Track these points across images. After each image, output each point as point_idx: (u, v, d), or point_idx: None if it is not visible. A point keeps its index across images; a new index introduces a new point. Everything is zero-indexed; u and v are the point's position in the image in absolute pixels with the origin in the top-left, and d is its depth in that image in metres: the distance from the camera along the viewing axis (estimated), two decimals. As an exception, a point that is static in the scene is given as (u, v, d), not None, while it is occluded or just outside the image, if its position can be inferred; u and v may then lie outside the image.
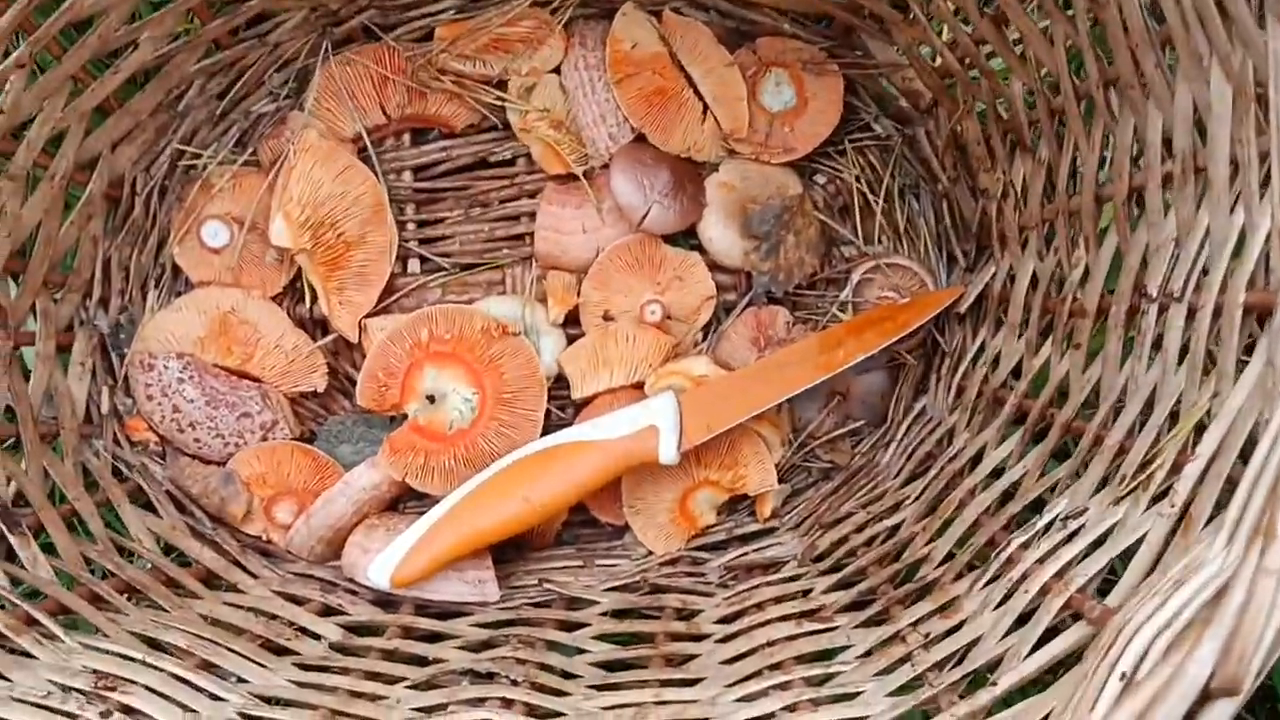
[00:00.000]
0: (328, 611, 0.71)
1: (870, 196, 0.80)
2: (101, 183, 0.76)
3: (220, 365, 0.77)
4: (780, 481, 0.77)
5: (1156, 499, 0.50)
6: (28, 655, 0.58)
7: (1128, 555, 0.50)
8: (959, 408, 0.73)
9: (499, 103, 0.78)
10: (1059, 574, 0.52)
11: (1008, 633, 0.52)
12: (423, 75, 0.78)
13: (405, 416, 0.76)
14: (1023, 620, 0.52)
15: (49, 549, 0.67)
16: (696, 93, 0.78)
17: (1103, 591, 0.50)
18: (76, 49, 0.70)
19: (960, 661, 0.53)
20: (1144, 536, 0.49)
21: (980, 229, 0.75)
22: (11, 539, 0.65)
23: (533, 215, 0.80)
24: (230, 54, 0.77)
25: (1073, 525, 0.54)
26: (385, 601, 0.73)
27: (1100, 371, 0.59)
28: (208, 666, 0.61)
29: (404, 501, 0.79)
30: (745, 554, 0.75)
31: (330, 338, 0.78)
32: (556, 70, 0.79)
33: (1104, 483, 0.55)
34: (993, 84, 0.69)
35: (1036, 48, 0.64)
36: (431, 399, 0.75)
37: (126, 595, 0.67)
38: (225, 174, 0.79)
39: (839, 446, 0.78)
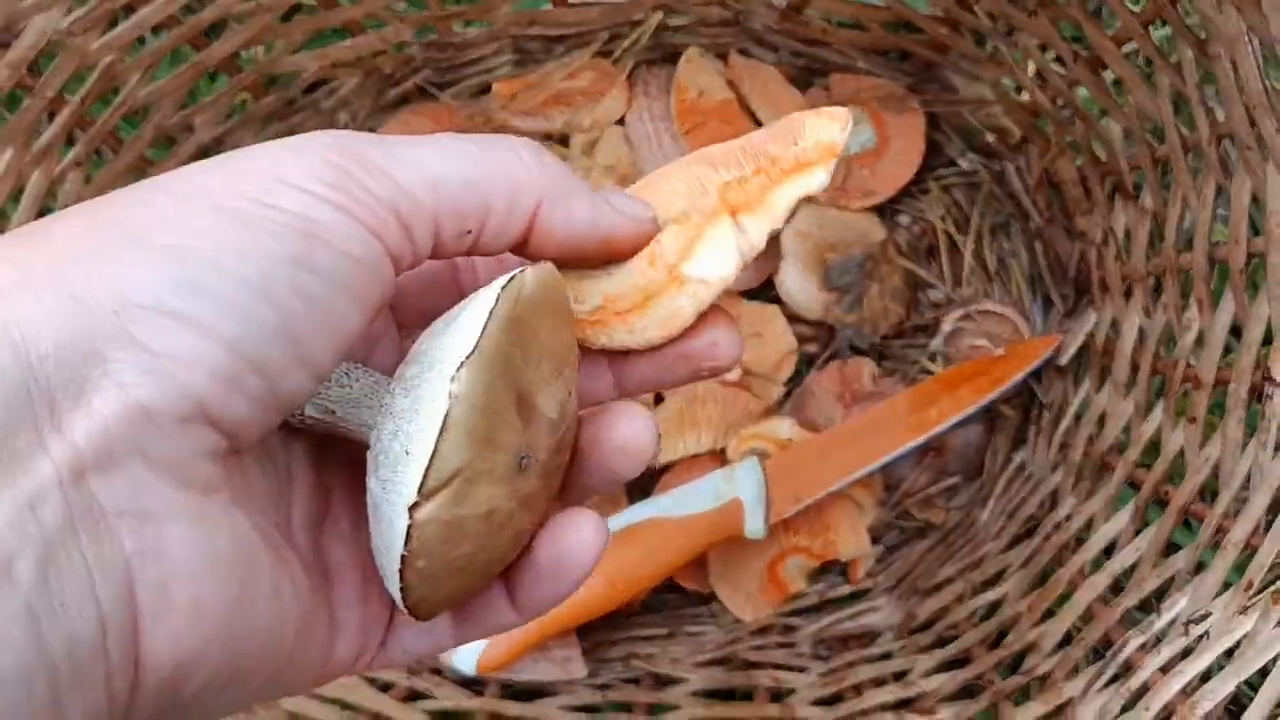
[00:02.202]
0: (414, 696, 0.70)
1: (957, 236, 0.75)
2: (167, 265, 0.75)
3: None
4: (873, 541, 0.74)
5: (1291, 616, 0.46)
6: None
7: (1262, 672, 0.46)
8: (1062, 467, 0.68)
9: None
10: (1185, 691, 0.48)
11: (1129, 753, 0.49)
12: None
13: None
14: (1146, 739, 0.49)
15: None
16: (768, 138, 0.74)
17: (1232, 713, 0.46)
18: (133, 140, 0.68)
19: (1078, 782, 0.50)
20: (1277, 658, 0.45)
21: (1079, 273, 0.70)
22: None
23: (603, 272, 0.77)
24: (286, 125, 0.75)
25: (1195, 632, 0.50)
26: (471, 681, 0.72)
27: (1220, 452, 0.55)
28: (293, 778, 0.60)
29: (486, 574, 0.77)
30: (839, 621, 0.72)
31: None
32: (620, 121, 0.76)
33: (1229, 583, 0.51)
34: (1088, 124, 0.64)
35: (1137, 94, 0.59)
36: None
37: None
38: (289, 247, 0.77)
39: (934, 504, 0.75)
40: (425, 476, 0.26)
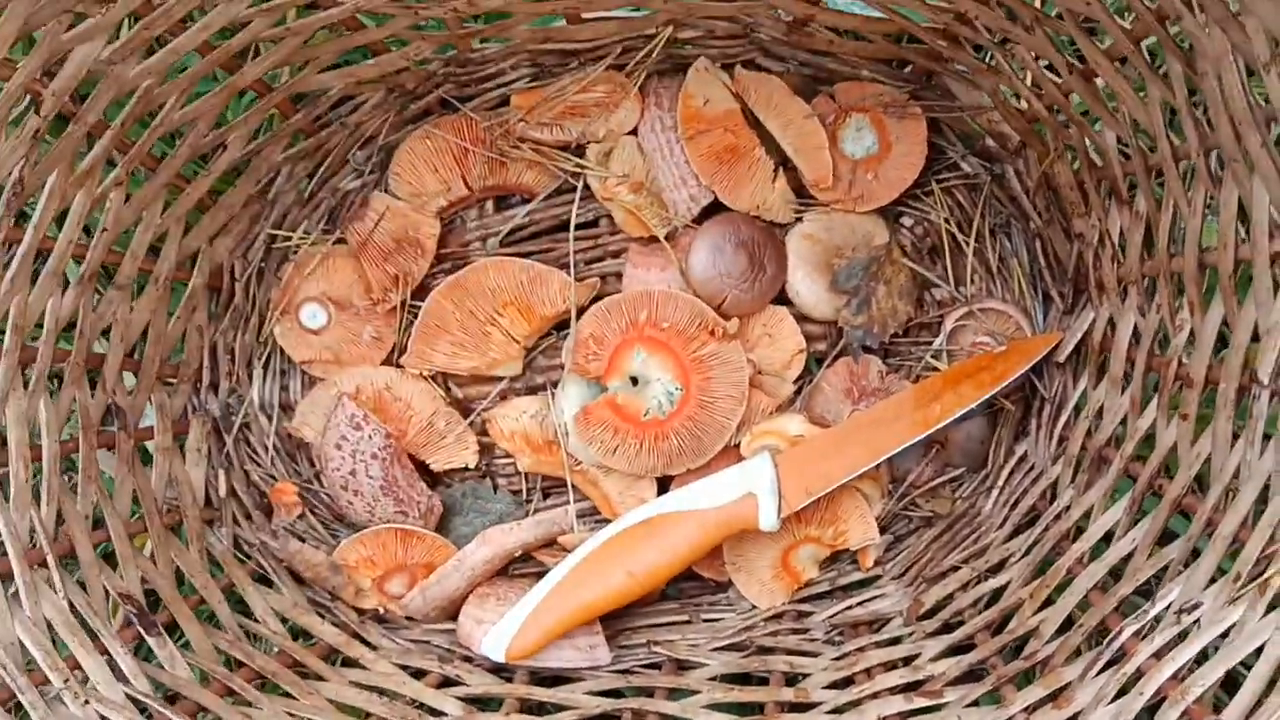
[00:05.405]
0: (447, 682, 0.74)
1: (960, 236, 0.78)
2: (203, 276, 0.78)
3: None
4: (881, 531, 0.77)
5: (1275, 606, 0.49)
6: (173, 771, 0.62)
7: (1254, 654, 0.49)
8: (1062, 459, 0.72)
9: (579, 169, 0.78)
10: (1176, 676, 0.51)
11: (1124, 733, 0.52)
12: (502, 144, 0.79)
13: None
14: (1140, 720, 0.52)
15: (179, 638, 0.71)
16: (770, 150, 0.77)
17: (1220, 699, 0.50)
18: (170, 159, 0.72)
19: (1076, 761, 0.53)
20: (1262, 647, 0.48)
21: (1076, 273, 0.73)
22: (150, 641, 0.69)
23: (618, 275, 0.80)
24: (314, 140, 0.78)
25: (1187, 620, 0.53)
26: (500, 668, 0.75)
27: (1210, 448, 0.58)
28: (340, 762, 0.64)
29: (512, 567, 0.81)
30: (850, 607, 0.76)
31: (475, 414, 0.81)
32: (633, 132, 0.79)
33: (1218, 574, 0.54)
34: (1084, 132, 0.67)
35: (1130, 105, 0.61)
36: (635, 381, 0.77)
37: (258, 684, 0.70)
38: (316, 256, 0.81)
39: (940, 494, 0.78)
40: None
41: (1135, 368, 0.66)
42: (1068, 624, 0.62)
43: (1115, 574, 0.62)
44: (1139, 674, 0.53)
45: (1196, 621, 0.53)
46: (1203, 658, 0.51)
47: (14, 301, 0.65)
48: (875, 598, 0.76)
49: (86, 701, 0.63)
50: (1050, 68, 0.67)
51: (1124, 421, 0.67)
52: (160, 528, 0.74)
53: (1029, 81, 0.69)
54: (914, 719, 0.62)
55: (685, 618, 0.79)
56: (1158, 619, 0.55)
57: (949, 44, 0.70)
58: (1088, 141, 0.67)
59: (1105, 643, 0.57)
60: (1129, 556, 0.61)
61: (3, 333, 0.65)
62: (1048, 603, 0.64)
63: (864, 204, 0.77)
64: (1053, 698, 0.57)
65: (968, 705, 0.61)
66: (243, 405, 0.82)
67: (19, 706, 0.62)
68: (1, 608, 0.63)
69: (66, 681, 0.63)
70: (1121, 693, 0.53)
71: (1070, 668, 0.58)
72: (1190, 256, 0.60)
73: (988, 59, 0.71)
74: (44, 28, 0.57)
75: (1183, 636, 0.53)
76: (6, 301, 0.65)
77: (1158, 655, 0.53)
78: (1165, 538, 0.61)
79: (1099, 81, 0.64)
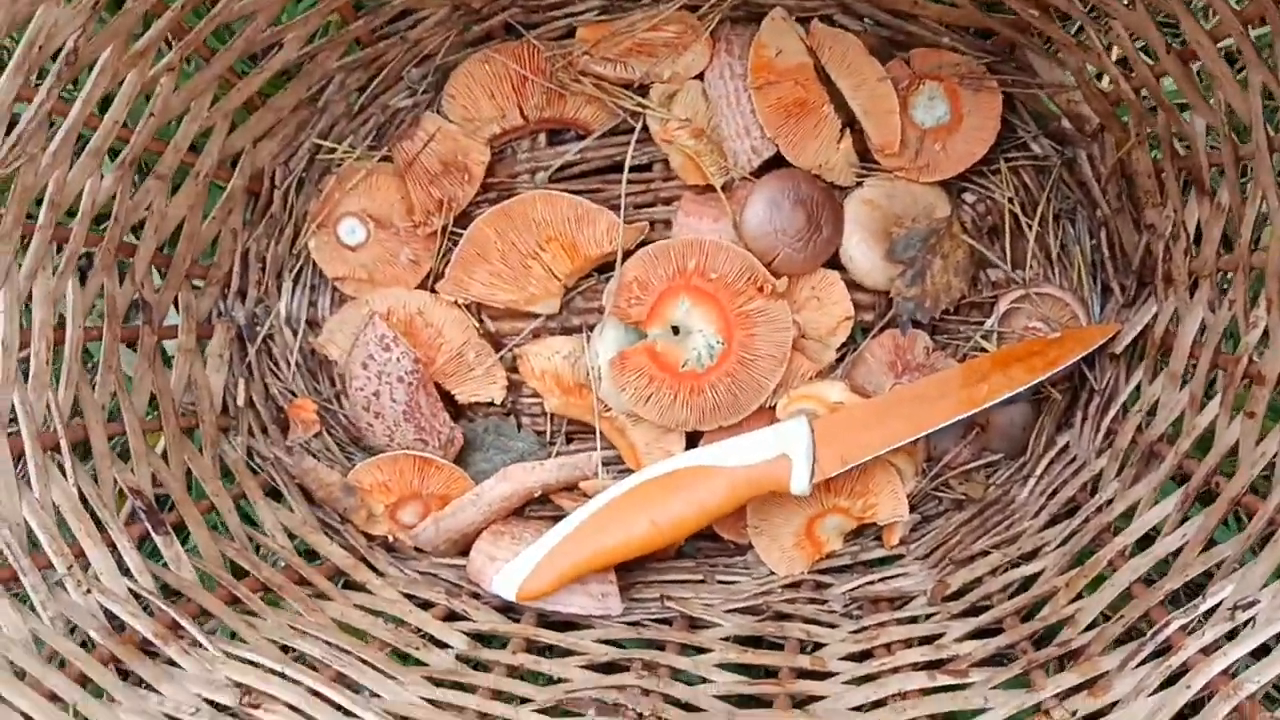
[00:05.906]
0: (453, 616, 0.72)
1: (1023, 219, 0.76)
2: (243, 178, 0.76)
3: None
4: (910, 509, 0.75)
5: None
6: (174, 665, 0.60)
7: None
8: (1107, 452, 0.70)
9: (639, 109, 0.76)
10: (1227, 672, 0.50)
11: (1164, 727, 0.50)
12: (562, 76, 0.76)
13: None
14: (1182, 717, 0.50)
15: (186, 541, 0.69)
16: (838, 110, 0.75)
17: (1273, 699, 0.48)
18: (224, 52, 0.69)
19: (1111, 750, 0.52)
20: (1325, 648, 0.46)
21: (1142, 265, 0.71)
22: (157, 539, 0.67)
23: (668, 222, 0.78)
24: (371, 51, 0.76)
25: (1242, 617, 0.51)
26: (508, 607, 0.73)
27: (1276, 448, 0.56)
28: (342, 679, 0.62)
29: (529, 508, 0.79)
30: (871, 583, 0.74)
31: (507, 350, 0.78)
32: (699, 76, 0.76)
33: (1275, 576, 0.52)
34: (1171, 118, 0.65)
35: (1228, 92, 0.59)
36: (676, 330, 0.75)
37: (262, 595, 0.68)
38: (360, 171, 0.78)
39: (974, 478, 0.76)
40: None
41: (1198, 364, 0.64)
42: (1105, 616, 0.60)
43: (1160, 568, 0.60)
44: (1185, 668, 0.51)
45: (1252, 620, 0.51)
46: (1258, 658, 0.50)
47: (53, 177, 0.63)
48: (898, 575, 0.74)
49: (89, 590, 0.61)
50: (1144, 49, 0.65)
51: (1179, 419, 0.65)
52: (175, 429, 0.72)
53: (1114, 59, 0.67)
54: (936, 696, 0.60)
55: (700, 577, 0.77)
56: (1207, 615, 0.53)
57: (1039, 14, 0.68)
58: (1173, 128, 0.65)
59: (1150, 635, 0.55)
60: (1176, 553, 0.60)
61: (33, 217, 0.63)
62: (1083, 593, 0.62)
63: (928, 174, 0.75)
64: (1088, 685, 0.55)
65: (994, 687, 0.59)
66: (269, 316, 0.79)
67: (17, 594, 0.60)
68: (10, 487, 0.61)
69: (70, 568, 0.61)
70: (1164, 685, 0.52)
71: (1108, 657, 0.56)
72: (1275, 252, 0.58)
73: (1077, 33, 0.69)
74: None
75: (1235, 633, 0.51)
76: (45, 176, 0.63)
77: (1206, 651, 0.51)
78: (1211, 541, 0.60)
79: (1194, 64, 0.62)
